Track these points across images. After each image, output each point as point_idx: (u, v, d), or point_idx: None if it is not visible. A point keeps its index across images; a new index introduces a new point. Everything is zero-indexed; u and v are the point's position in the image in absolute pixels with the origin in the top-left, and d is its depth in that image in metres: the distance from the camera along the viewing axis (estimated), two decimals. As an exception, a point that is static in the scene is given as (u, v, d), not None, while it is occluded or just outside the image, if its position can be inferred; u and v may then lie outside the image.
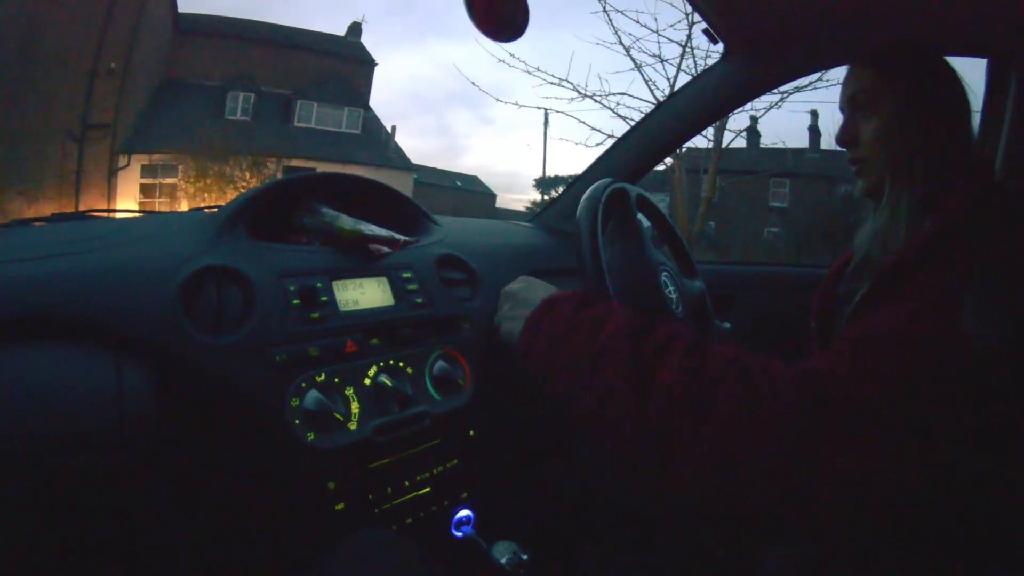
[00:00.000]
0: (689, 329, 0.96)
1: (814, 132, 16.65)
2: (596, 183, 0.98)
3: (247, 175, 13.71)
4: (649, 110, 1.59)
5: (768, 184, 16.21)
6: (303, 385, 0.81)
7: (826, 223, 13.49)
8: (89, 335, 0.71)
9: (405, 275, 1.00)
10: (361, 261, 0.97)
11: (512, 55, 5.01)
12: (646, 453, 0.60)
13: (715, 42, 1.28)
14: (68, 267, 0.75)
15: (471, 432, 1.00)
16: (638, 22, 5.19)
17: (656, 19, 4.88)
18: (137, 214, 1.13)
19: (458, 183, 29.16)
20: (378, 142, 18.47)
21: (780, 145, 12.38)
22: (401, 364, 0.93)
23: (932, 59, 0.86)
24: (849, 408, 0.56)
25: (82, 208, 12.57)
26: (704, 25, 1.22)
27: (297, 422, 0.79)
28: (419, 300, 0.99)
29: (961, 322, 0.60)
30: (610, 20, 5.39)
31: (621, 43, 5.50)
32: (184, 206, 13.12)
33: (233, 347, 0.78)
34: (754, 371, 0.60)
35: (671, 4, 5.51)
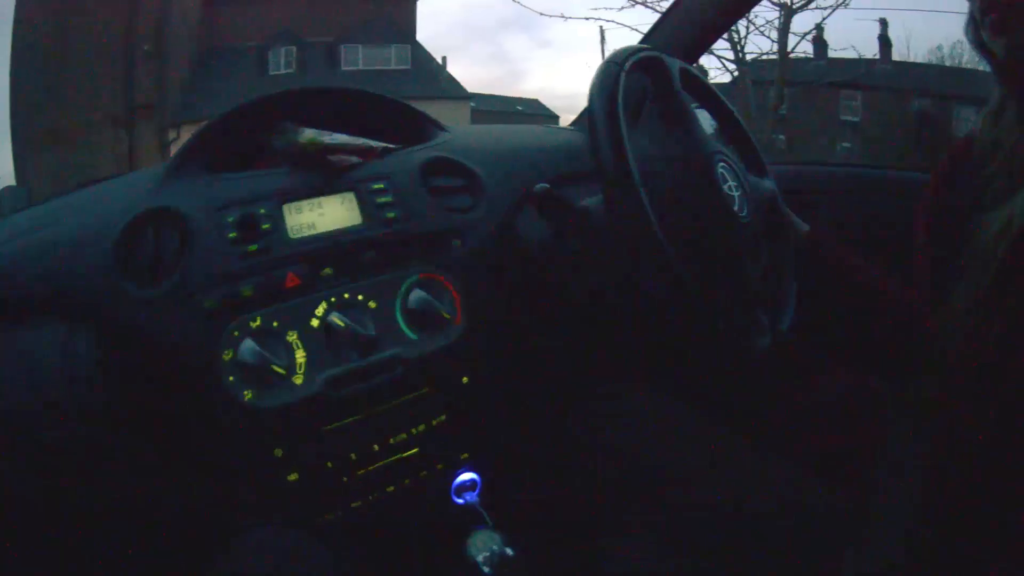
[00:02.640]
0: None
1: (884, 42, 14.98)
2: (617, 49, 0.74)
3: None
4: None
5: (839, 96, 15.09)
6: (235, 334, 0.69)
7: (900, 139, 12.65)
8: (40, 310, 0.68)
9: (376, 186, 0.81)
10: (324, 179, 0.80)
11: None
12: None
13: None
14: (12, 250, 0.72)
15: (464, 379, 0.80)
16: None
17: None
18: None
19: (519, 107, 28.17)
20: (429, 73, 18.16)
21: (850, 53, 11.49)
22: (360, 297, 0.75)
23: None
24: None
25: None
26: None
27: (232, 379, 0.67)
28: (391, 215, 0.80)
29: None
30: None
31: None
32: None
33: (163, 297, 0.69)
34: None
35: None
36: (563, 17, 5.56)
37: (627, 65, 0.69)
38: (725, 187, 0.73)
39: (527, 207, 0.88)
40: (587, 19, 9.45)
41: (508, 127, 1.30)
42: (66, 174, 11.81)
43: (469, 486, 0.83)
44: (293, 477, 0.71)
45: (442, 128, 0.95)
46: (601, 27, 7.48)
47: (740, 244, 0.74)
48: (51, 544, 0.73)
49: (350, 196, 0.80)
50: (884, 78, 14.51)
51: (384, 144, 0.86)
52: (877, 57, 15.13)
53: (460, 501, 0.83)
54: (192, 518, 0.79)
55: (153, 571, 0.80)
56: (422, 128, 0.94)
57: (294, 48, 16.40)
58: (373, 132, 0.88)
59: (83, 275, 0.69)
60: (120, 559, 0.78)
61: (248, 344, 0.67)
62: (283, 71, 16.22)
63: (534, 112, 28.91)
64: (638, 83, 0.73)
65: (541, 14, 6.87)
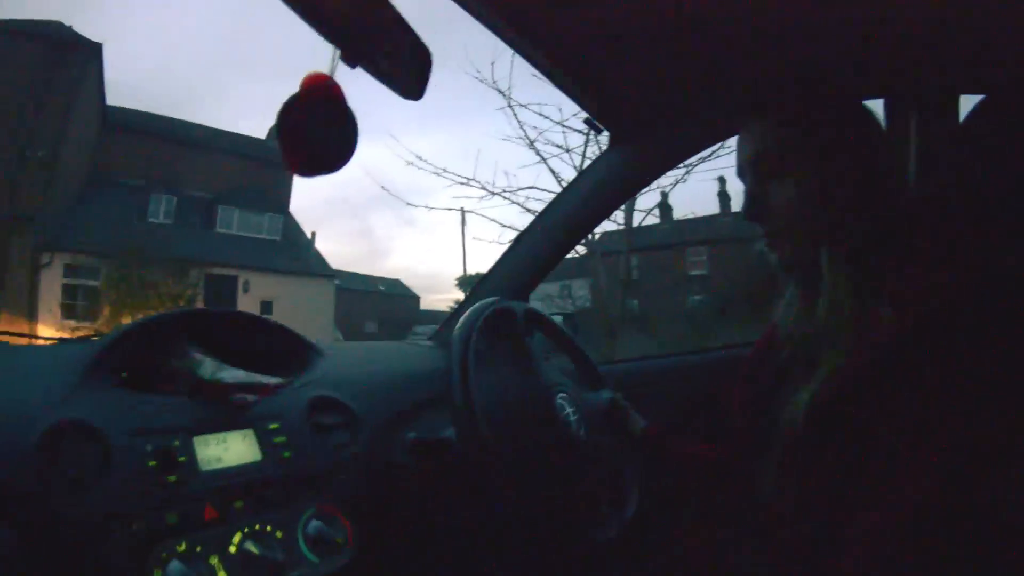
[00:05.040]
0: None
1: (724, 197, 17.24)
2: (475, 305, 0.98)
3: (169, 282, 13.32)
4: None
5: (686, 254, 16.84)
6: (164, 556, 0.74)
7: (746, 283, 13.94)
8: None
9: (272, 426, 0.92)
10: (227, 414, 0.90)
11: (419, 157, 5.23)
12: None
13: (599, 132, 1.22)
14: None
15: None
16: (541, 115, 5.59)
17: (560, 110, 5.29)
18: (25, 340, 1.15)
19: (381, 287, 29.43)
20: (298, 248, 18.53)
21: (692, 215, 12.65)
22: (269, 528, 0.84)
23: (846, 103, 0.75)
24: None
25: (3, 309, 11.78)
26: (586, 115, 1.16)
27: None
28: (287, 454, 0.91)
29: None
30: (515, 115, 5.69)
31: (526, 136, 5.86)
32: (106, 312, 12.65)
33: (92, 518, 0.72)
34: None
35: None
36: (427, 208, 6.15)
37: (479, 323, 0.90)
38: (563, 414, 0.92)
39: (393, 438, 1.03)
40: (449, 209, 10.30)
41: (376, 345, 1.57)
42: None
43: None
44: None
45: (320, 353, 1.10)
46: (463, 210, 8.24)
47: (580, 458, 0.91)
48: None
49: (250, 433, 0.89)
50: (727, 230, 16.11)
51: (275, 380, 0.96)
52: (719, 212, 17.04)
53: None
54: None
55: None
56: (304, 354, 1.09)
57: (174, 198, 16.31)
58: (260, 351, 1.03)
59: (6, 468, 0.69)
60: None
61: (176, 566, 0.73)
62: (162, 220, 16.02)
63: (396, 292, 30.02)
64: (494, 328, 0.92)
65: (408, 204, 7.36)
